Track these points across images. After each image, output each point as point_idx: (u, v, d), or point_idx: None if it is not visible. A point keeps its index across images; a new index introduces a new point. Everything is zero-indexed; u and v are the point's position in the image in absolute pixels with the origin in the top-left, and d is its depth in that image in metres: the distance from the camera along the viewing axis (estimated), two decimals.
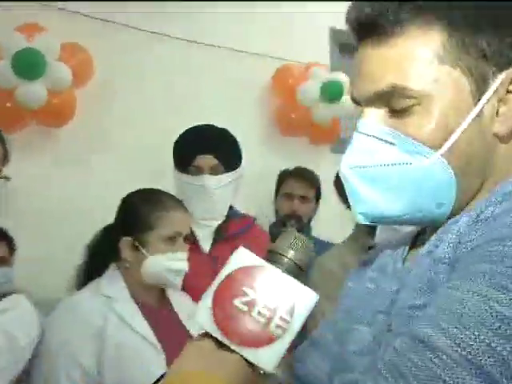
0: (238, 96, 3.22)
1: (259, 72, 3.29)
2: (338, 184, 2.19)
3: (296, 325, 0.67)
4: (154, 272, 1.77)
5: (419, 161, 0.73)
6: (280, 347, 0.66)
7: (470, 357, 0.56)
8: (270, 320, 0.67)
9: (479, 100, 0.72)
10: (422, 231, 0.84)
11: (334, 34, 3.64)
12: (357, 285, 0.90)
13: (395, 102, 0.73)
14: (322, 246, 2.89)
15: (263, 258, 0.70)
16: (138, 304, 1.77)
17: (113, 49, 2.91)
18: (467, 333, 0.57)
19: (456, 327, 0.58)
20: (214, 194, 2.15)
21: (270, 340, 0.66)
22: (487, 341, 0.56)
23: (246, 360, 0.67)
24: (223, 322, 0.68)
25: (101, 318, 1.67)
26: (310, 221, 2.90)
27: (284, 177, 2.98)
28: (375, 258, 0.89)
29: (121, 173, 2.86)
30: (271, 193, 3.03)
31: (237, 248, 0.72)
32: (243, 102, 3.26)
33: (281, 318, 0.67)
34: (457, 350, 0.56)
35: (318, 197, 2.94)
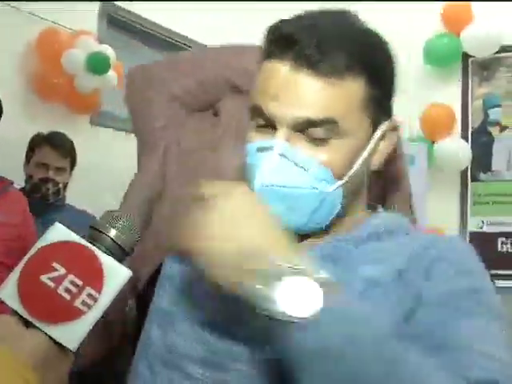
0: None
1: (24, 31, 3.07)
2: None
3: (103, 301, 0.67)
4: None
5: (324, 187, 0.83)
6: (84, 324, 0.66)
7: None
8: (76, 296, 0.67)
9: (369, 142, 0.86)
10: None
11: (104, 5, 3.55)
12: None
13: (320, 132, 0.81)
14: (76, 215, 2.85)
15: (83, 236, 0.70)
16: None
17: None
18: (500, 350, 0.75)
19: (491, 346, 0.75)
20: None
21: (74, 316, 0.66)
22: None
23: (51, 337, 0.66)
24: (27, 298, 0.66)
25: None
26: (65, 187, 2.83)
27: (38, 142, 2.82)
28: None
29: None
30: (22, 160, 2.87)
31: None
32: (2, 60, 3.01)
33: (88, 294, 0.67)
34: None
35: (72, 165, 2.88)
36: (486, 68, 3.89)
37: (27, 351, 0.64)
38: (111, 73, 3.20)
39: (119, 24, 3.73)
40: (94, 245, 0.70)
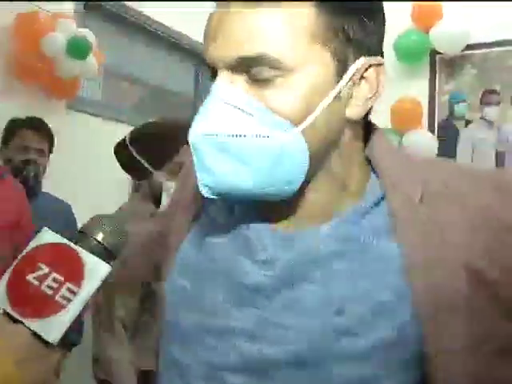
0: None
1: (2, 13, 3.08)
2: (119, 152, 2.22)
3: (83, 295, 0.71)
4: None
5: (277, 135, 0.70)
6: (65, 317, 0.70)
7: None
8: (57, 291, 0.71)
9: (338, 82, 0.73)
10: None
11: None
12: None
13: (258, 72, 0.71)
14: (53, 203, 2.91)
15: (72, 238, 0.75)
16: None
17: None
18: None
19: None
20: None
21: (55, 310, 0.70)
22: None
23: (35, 332, 0.70)
24: (15, 296, 0.71)
25: None
26: (44, 170, 2.86)
27: (16, 126, 2.85)
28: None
29: None
30: None
31: None
32: None
33: (68, 289, 0.71)
34: None
35: (50, 149, 2.92)
36: (453, 65, 4.03)
37: (11, 346, 0.68)
38: (91, 58, 3.24)
39: (97, 9, 3.75)
40: (79, 246, 0.74)
